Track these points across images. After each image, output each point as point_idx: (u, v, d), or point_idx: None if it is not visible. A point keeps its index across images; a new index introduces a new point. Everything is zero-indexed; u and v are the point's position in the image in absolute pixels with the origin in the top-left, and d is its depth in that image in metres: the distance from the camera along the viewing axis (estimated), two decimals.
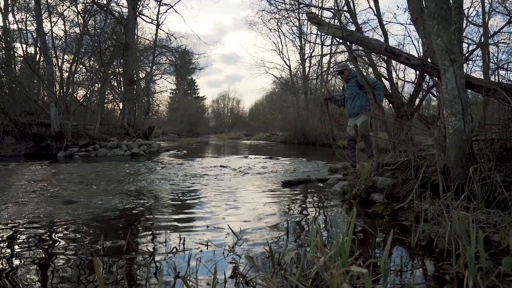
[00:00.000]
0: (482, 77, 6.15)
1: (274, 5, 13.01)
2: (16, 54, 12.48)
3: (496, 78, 6.92)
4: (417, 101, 8.01)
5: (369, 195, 3.01)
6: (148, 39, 17.03)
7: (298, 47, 22.30)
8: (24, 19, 12.91)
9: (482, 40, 7.10)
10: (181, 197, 3.23)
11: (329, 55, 18.08)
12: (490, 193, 2.19)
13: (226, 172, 5.25)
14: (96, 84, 12.38)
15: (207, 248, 1.77)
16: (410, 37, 23.48)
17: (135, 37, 13.97)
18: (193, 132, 37.29)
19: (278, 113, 29.05)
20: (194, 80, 45.73)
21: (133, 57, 12.97)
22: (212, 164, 6.43)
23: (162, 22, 17.87)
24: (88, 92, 12.18)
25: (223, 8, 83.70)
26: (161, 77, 19.03)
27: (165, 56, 18.41)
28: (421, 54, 6.76)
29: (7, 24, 11.69)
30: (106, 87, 12.59)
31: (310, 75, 22.07)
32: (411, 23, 7.76)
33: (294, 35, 22.81)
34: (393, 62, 7.84)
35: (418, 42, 8.69)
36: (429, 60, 3.04)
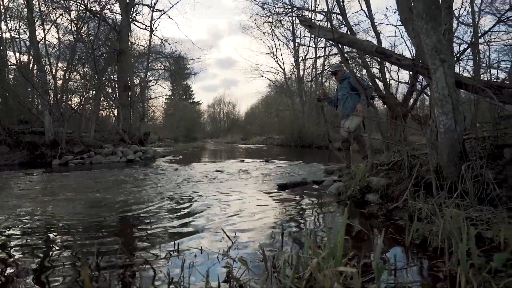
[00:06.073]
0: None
1: (267, 9, 13.06)
2: (9, 63, 12.40)
3: (488, 76, 6.99)
4: (411, 101, 8.06)
5: (364, 195, 3.02)
6: (142, 45, 16.97)
7: (292, 50, 22.38)
8: (17, 28, 12.87)
9: (473, 39, 7.18)
10: (175, 202, 3.21)
11: (323, 57, 18.18)
12: (482, 190, 2.20)
13: (221, 176, 5.24)
14: (91, 91, 12.34)
15: (201, 253, 1.76)
16: (403, 38, 23.58)
17: (129, 43, 13.95)
18: (190, 137, 37.20)
19: (274, 116, 29.08)
20: (190, 85, 45.62)
21: (128, 64, 12.95)
22: (208, 169, 6.42)
23: (156, 28, 17.76)
24: (83, 99, 12.14)
25: (217, 13, 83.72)
26: (156, 83, 18.92)
27: (159, 62, 18.39)
28: (414, 55, 6.81)
29: (0, 33, 11.63)
30: (101, 94, 12.56)
31: (304, 78, 22.15)
32: (402, 24, 7.82)
33: (287, 39, 22.88)
34: (387, 63, 7.90)
35: (410, 42, 8.76)
36: (420, 60, 3.06)
